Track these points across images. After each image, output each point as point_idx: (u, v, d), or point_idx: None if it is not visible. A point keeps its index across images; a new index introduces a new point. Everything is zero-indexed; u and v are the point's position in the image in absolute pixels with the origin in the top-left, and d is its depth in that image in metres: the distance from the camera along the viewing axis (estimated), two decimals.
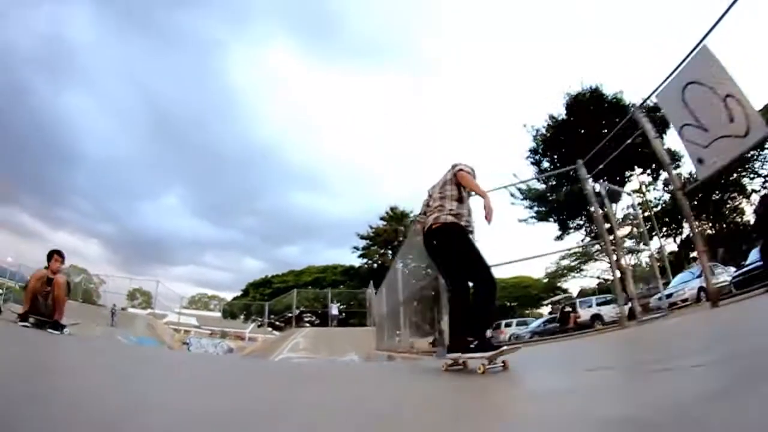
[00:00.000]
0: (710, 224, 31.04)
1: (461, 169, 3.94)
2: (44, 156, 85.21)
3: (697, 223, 32.32)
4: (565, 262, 34.27)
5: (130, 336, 20.47)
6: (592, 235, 26.27)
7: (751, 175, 27.79)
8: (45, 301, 6.86)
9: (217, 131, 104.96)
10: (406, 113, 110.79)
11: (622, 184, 23.07)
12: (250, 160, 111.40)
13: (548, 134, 26.10)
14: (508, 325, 28.71)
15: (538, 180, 26.96)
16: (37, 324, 6.67)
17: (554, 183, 26.13)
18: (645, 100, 6.29)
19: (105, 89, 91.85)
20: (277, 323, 37.98)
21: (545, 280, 41.60)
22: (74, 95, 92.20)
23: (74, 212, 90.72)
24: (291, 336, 22.68)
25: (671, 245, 30.15)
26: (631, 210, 18.18)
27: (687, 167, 24.46)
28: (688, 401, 1.40)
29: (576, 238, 28.21)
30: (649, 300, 11.60)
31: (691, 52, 5.69)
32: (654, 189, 27.76)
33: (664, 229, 29.24)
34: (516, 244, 11.91)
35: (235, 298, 55.38)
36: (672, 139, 23.20)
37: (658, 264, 10.25)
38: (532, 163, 27.49)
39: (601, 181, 8.38)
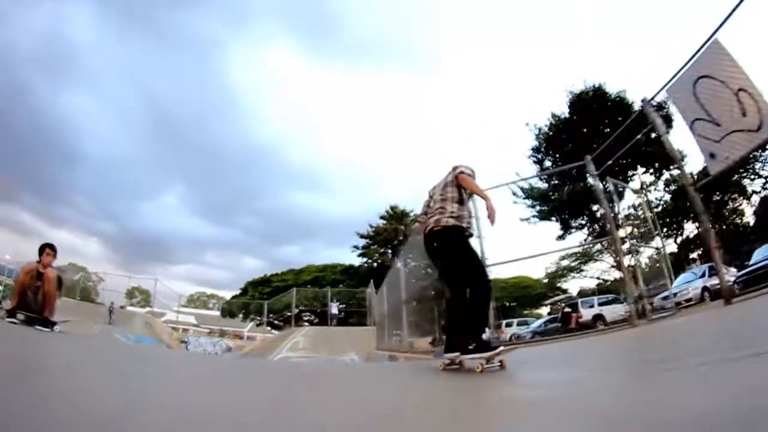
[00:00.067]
0: (710, 225, 30.89)
1: (462, 172, 3.97)
2: (44, 155, 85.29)
3: (697, 223, 32.41)
4: (565, 263, 34.13)
5: (128, 334, 20.32)
6: (595, 234, 26.15)
7: (752, 176, 27.71)
8: (35, 297, 6.48)
9: (217, 131, 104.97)
10: (407, 113, 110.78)
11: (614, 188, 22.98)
12: (250, 159, 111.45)
13: (551, 133, 25.95)
14: (508, 325, 28.48)
15: (541, 178, 26.83)
16: (25, 321, 6.31)
17: (557, 182, 25.99)
18: (656, 95, 6.19)
19: (105, 89, 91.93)
20: (276, 322, 37.85)
21: (545, 281, 41.43)
22: (74, 95, 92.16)
23: (74, 211, 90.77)
24: (290, 335, 22.54)
25: (670, 246, 30.00)
26: (632, 210, 18.02)
27: (689, 167, 24.38)
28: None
29: (578, 238, 28.09)
30: (652, 300, 11.48)
31: (703, 46, 5.59)
32: (655, 189, 27.59)
33: (665, 229, 29.12)
34: (517, 243, 11.78)
35: (234, 297, 55.25)
36: (674, 138, 23.12)
37: (657, 265, 10.12)
38: (535, 162, 27.35)
39: (608, 177, 8.23)
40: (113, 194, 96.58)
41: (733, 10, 5.34)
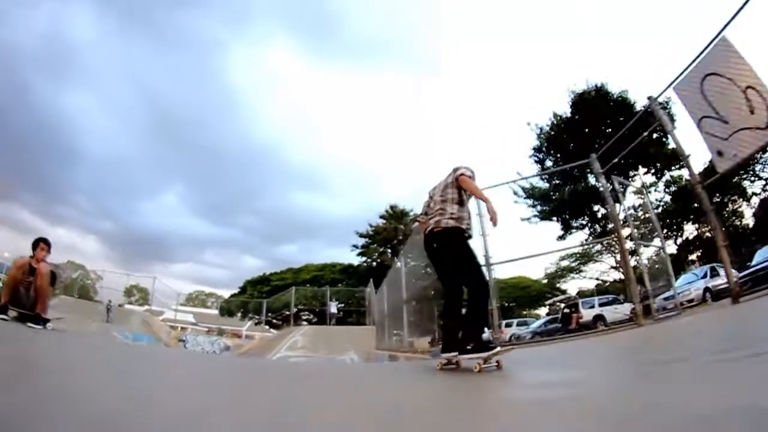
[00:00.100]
0: (709, 227, 30.91)
1: (463, 174, 3.99)
2: (44, 154, 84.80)
3: (696, 225, 32.43)
4: (564, 263, 34.12)
5: (126, 332, 20.20)
6: (596, 234, 26.10)
7: (752, 178, 27.70)
8: (27, 292, 6.20)
9: (217, 130, 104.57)
10: (407, 113, 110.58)
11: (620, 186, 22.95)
12: (249, 159, 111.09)
13: (552, 132, 25.88)
14: (508, 326, 28.39)
15: (542, 178, 26.78)
16: (17, 317, 6.05)
17: (558, 182, 25.93)
18: (662, 92, 6.11)
19: (105, 88, 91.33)
20: (275, 321, 37.76)
21: (544, 281, 41.40)
22: (75, 94, 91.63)
23: (74, 209, 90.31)
24: (289, 334, 22.43)
25: (670, 247, 29.96)
26: (632, 211, 18.01)
27: (693, 167, 24.29)
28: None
29: (578, 238, 28.07)
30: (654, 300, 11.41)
31: (710, 43, 5.53)
32: (655, 190, 27.55)
33: (665, 231, 29.10)
34: (518, 243, 11.70)
35: (232, 296, 55.22)
36: (677, 138, 23.09)
37: (657, 266, 10.04)
38: (536, 162, 27.29)
39: (613, 176, 8.16)
40: (113, 193, 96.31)
41: (741, 8, 5.29)
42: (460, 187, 4.00)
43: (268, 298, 36.12)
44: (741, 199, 29.19)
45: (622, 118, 21.35)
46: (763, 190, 28.08)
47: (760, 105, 4.91)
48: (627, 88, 24.13)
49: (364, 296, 29.32)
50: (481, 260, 7.23)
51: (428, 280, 9.99)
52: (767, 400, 1.24)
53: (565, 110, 25.40)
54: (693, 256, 32.23)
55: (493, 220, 3.85)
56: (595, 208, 25.65)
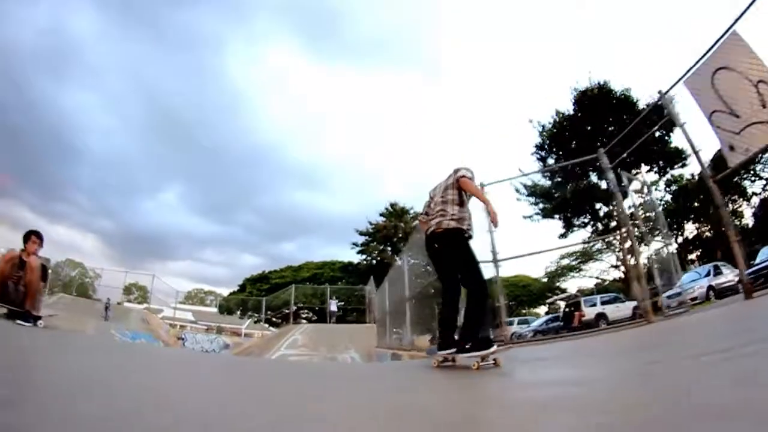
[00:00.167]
0: (709, 226, 31.00)
1: (464, 175, 4.05)
2: (44, 152, 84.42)
3: (696, 224, 32.46)
4: (565, 262, 34.07)
5: (125, 330, 20.11)
6: (599, 232, 26.05)
7: (753, 178, 27.72)
8: (16, 288, 5.84)
9: (217, 128, 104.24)
10: (407, 111, 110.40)
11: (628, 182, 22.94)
12: (249, 157, 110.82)
13: (555, 130, 25.81)
14: (509, 324, 28.33)
15: (544, 175, 26.74)
16: (6, 314, 5.72)
17: (560, 179, 25.87)
18: (672, 86, 6.03)
19: (105, 85, 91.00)
20: (274, 319, 37.68)
21: (545, 280, 41.34)
22: (74, 91, 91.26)
23: (73, 207, 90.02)
24: (289, 332, 22.33)
25: (671, 246, 29.93)
26: (633, 210, 17.98)
27: (694, 166, 24.32)
28: None
29: (580, 236, 28.05)
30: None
31: (721, 37, 5.47)
32: (656, 189, 27.54)
33: (665, 230, 29.09)
34: (519, 240, 11.64)
35: (232, 294, 55.12)
36: (679, 137, 23.05)
37: (657, 266, 9.99)
38: (538, 159, 27.27)
39: (621, 171, 8.11)
40: (112, 190, 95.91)
41: (753, 1, 5.22)
42: (460, 188, 4.06)
43: (268, 296, 36.05)
44: (741, 199, 29.23)
45: (625, 116, 21.32)
46: (764, 190, 28.12)
47: None
48: (630, 86, 24.15)
49: (364, 294, 29.24)
50: (489, 256, 7.22)
51: (429, 279, 9.94)
52: None
53: (568, 108, 25.40)
54: (693, 256, 32.30)
55: (494, 221, 4.04)
56: (597, 206, 25.61)
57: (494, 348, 3.51)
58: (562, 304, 27.21)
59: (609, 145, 7.56)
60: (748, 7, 5.28)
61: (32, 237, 6.22)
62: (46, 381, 2.08)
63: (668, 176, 27.29)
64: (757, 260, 12.08)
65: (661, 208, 27.06)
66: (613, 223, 24.67)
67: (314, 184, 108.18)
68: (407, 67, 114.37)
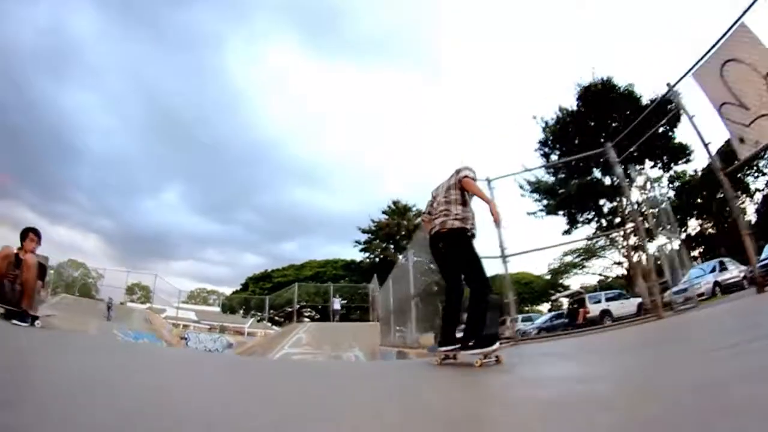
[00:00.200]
0: (712, 223, 30.92)
1: (466, 176, 4.12)
2: (45, 152, 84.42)
3: (699, 221, 32.36)
4: (568, 258, 34.04)
5: (127, 330, 20.09)
6: (604, 227, 25.97)
7: (756, 174, 27.60)
8: (12, 286, 5.61)
9: (217, 127, 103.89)
10: (408, 109, 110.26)
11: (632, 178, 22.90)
12: (250, 156, 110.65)
13: (558, 126, 25.72)
14: (514, 321, 28.28)
15: (548, 171, 26.64)
16: (1, 314, 5.49)
17: (564, 175, 25.77)
18: (680, 79, 5.96)
19: (105, 85, 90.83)
20: (277, 318, 37.66)
21: (547, 277, 41.30)
22: (74, 91, 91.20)
23: (74, 207, 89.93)
24: (292, 331, 22.30)
25: (674, 242, 29.80)
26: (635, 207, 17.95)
27: (697, 162, 24.22)
28: None
29: (584, 233, 27.97)
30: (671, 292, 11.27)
31: (729, 29, 5.40)
32: (659, 186, 27.45)
33: (668, 226, 28.97)
34: (523, 237, 11.58)
35: (234, 293, 55.17)
36: (683, 133, 22.96)
37: (667, 261, 9.90)
38: (542, 156, 27.16)
39: (630, 165, 8.04)
40: (113, 190, 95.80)
41: None
42: (463, 188, 4.12)
43: (271, 295, 36.04)
44: (744, 195, 29.09)
45: (628, 112, 21.23)
46: (767, 186, 28.00)
47: None
48: (633, 82, 24.04)
49: (367, 292, 29.20)
50: (497, 251, 7.19)
51: (434, 277, 9.91)
52: None
53: (571, 103, 25.32)
54: (695, 252, 32.20)
55: (497, 222, 4.15)
56: (601, 202, 25.53)
57: (497, 345, 3.58)
58: (565, 301, 27.14)
59: (617, 139, 7.47)
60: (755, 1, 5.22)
61: (30, 234, 6.02)
62: (45, 381, 2.03)
63: (671, 173, 27.20)
64: (763, 255, 11.98)
65: (666, 204, 27.16)
66: (618, 220, 24.59)
67: (314, 183, 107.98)
68: (407, 66, 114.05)
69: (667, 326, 5.60)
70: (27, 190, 76.84)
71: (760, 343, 2.19)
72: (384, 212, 43.62)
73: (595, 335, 7.71)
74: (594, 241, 28.24)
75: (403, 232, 39.27)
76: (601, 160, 20.24)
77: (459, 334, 3.97)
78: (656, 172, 25.79)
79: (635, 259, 22.45)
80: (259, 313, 39.15)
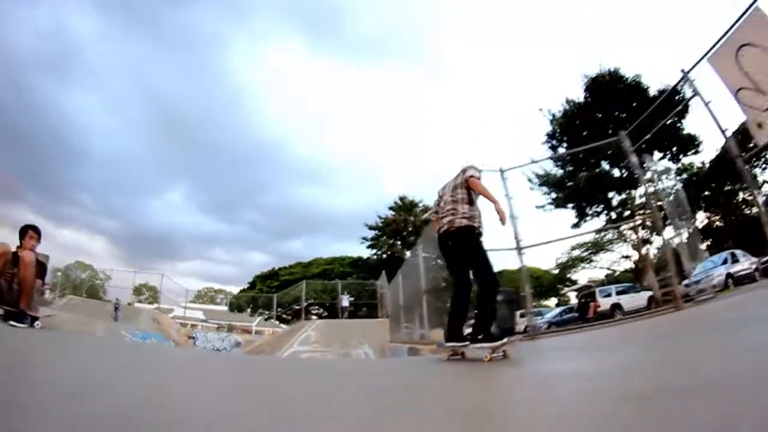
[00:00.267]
0: (720, 216, 30.62)
1: (472, 175, 4.23)
2: (49, 153, 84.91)
3: (707, 214, 32.04)
4: (576, 252, 33.78)
5: (135, 331, 20.12)
6: (612, 220, 25.77)
7: (764, 165, 27.32)
8: (9, 285, 5.35)
9: (221, 127, 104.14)
10: (412, 107, 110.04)
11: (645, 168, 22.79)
12: (254, 155, 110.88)
13: (566, 118, 25.55)
14: (522, 316, 28.13)
15: (556, 164, 26.50)
16: (2, 315, 5.20)
17: (572, 168, 25.58)
18: (695, 65, 5.85)
19: (107, 86, 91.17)
20: (285, 316, 37.71)
21: (555, 271, 41.01)
22: (78, 92, 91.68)
23: (80, 209, 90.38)
24: (301, 329, 22.20)
25: (682, 235, 29.57)
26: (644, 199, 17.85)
27: (706, 154, 23.97)
28: None
29: (593, 226, 27.83)
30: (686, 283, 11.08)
31: (744, 14, 5.27)
32: (667, 178, 27.24)
33: (676, 219, 28.76)
34: (533, 231, 11.46)
35: (241, 291, 55.32)
36: (692, 124, 22.71)
37: (685, 250, 9.75)
38: (550, 148, 27.07)
39: (645, 155, 7.92)
40: (118, 191, 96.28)
41: None
42: (469, 187, 4.24)
43: (278, 293, 36.06)
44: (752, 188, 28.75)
45: (635, 104, 21.02)
46: None
47: None
48: (640, 73, 23.82)
49: (375, 289, 29.14)
50: (512, 243, 7.17)
51: (443, 273, 9.86)
52: None
53: (578, 95, 25.17)
54: (703, 246, 31.90)
55: (502, 220, 4.15)
56: (610, 194, 25.33)
57: (505, 340, 3.64)
58: (573, 295, 26.96)
59: (630, 127, 7.33)
60: None
61: (29, 232, 5.77)
62: (45, 382, 1.99)
63: (679, 164, 26.98)
64: None
65: (671, 197, 26.90)
66: (627, 213, 24.38)
67: (318, 181, 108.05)
68: (408, 65, 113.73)
69: (687, 317, 5.48)
70: (32, 193, 77.53)
71: None
72: (391, 208, 43.60)
73: (601, 330, 7.57)
74: (602, 234, 28.01)
75: (410, 228, 39.19)
76: (609, 152, 20.09)
77: (467, 330, 4.02)
78: (665, 164, 25.65)
79: (644, 251, 22.27)
80: (266, 312, 39.23)
